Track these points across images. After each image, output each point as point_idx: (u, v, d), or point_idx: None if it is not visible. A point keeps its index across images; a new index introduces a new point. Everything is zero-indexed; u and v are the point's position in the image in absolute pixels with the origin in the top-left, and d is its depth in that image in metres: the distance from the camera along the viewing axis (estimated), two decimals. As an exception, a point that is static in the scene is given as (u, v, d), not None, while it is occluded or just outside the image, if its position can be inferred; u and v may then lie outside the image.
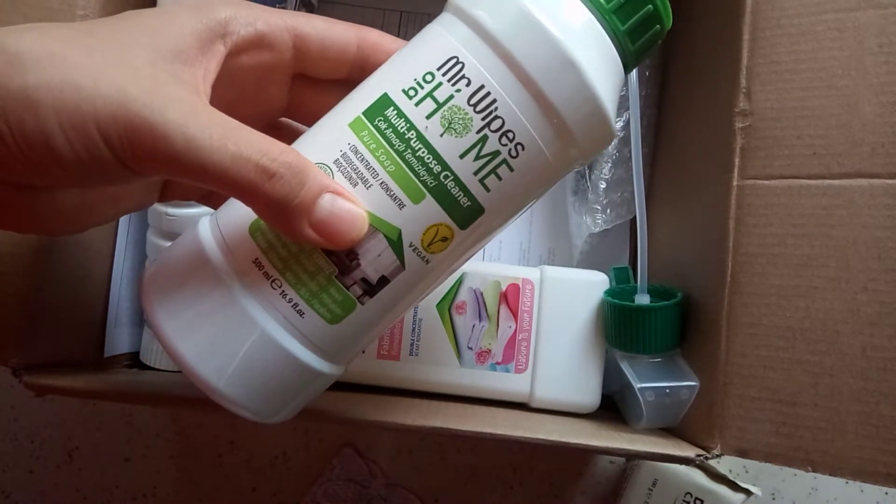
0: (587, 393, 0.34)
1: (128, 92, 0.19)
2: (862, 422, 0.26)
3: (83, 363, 0.34)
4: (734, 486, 0.37)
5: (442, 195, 0.22)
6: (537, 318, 0.34)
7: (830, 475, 0.27)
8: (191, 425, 0.45)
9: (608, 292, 0.34)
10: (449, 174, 0.22)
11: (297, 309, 0.22)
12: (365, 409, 0.29)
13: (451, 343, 0.34)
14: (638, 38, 0.23)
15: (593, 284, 0.35)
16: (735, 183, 0.29)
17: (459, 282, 0.35)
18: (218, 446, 0.45)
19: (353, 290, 0.22)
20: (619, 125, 0.39)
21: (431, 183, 0.22)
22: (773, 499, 0.44)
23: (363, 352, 0.34)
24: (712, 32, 0.34)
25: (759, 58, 0.29)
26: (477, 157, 0.22)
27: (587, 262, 0.40)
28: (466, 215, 0.22)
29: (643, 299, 0.32)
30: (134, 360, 0.39)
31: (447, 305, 0.34)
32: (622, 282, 0.35)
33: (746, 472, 0.44)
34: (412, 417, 0.28)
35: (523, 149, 0.22)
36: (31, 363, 0.29)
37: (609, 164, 0.39)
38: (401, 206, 0.22)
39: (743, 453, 0.28)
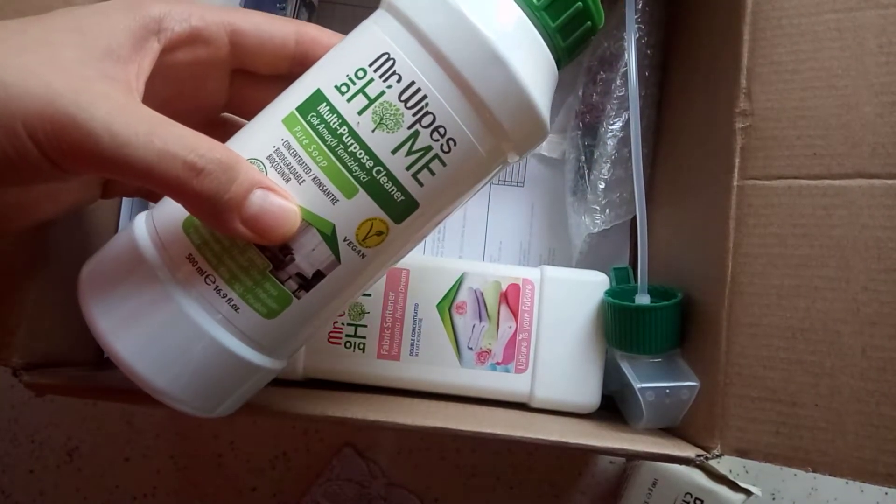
0: (587, 393, 0.34)
1: (55, 89, 0.19)
2: (862, 422, 0.26)
3: (83, 363, 0.33)
4: (734, 487, 0.37)
5: (375, 190, 0.22)
6: (537, 318, 0.34)
7: (830, 475, 0.27)
8: (191, 425, 0.45)
9: (608, 292, 0.34)
10: (381, 169, 0.22)
11: (231, 304, 0.22)
12: (365, 409, 0.29)
13: (451, 343, 0.34)
14: (569, 35, 0.24)
15: (593, 284, 0.35)
16: (735, 183, 0.29)
17: (460, 282, 0.35)
18: (218, 446, 0.45)
19: (289, 285, 0.22)
20: (618, 125, 0.39)
21: (364, 178, 0.22)
22: (773, 499, 0.44)
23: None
24: (712, 32, 0.34)
25: (760, 58, 0.29)
26: (409, 153, 0.22)
27: (587, 263, 0.40)
28: (400, 210, 0.23)
29: (643, 299, 0.32)
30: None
31: (447, 305, 0.34)
32: (622, 282, 0.35)
33: (746, 472, 0.44)
34: (412, 417, 0.28)
35: (455, 144, 0.22)
36: (31, 363, 0.29)
37: (608, 165, 0.39)
38: (334, 200, 0.22)
39: (743, 453, 0.28)
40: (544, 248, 0.43)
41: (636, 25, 0.38)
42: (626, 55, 0.37)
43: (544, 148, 0.42)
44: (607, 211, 0.39)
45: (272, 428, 0.45)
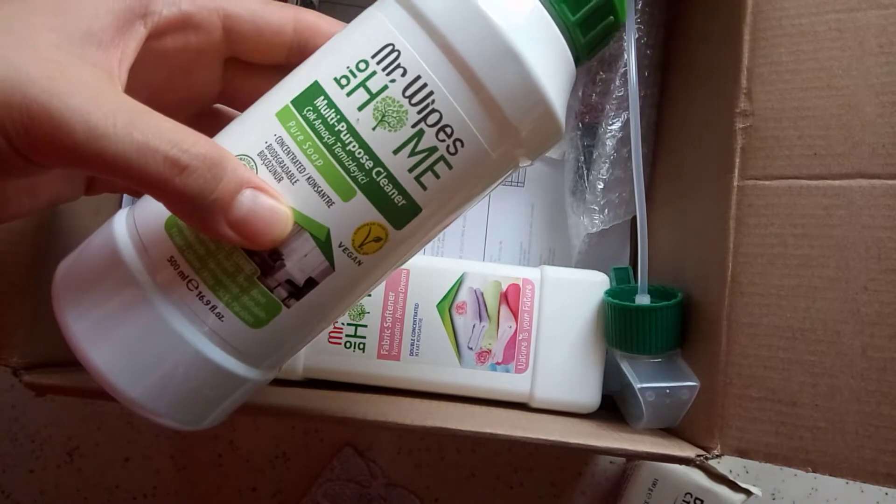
0: (587, 393, 0.34)
1: (27, 75, 0.17)
2: (862, 422, 0.26)
3: (83, 363, 0.33)
4: (734, 487, 0.37)
5: (374, 193, 0.20)
6: (538, 319, 0.34)
7: (830, 475, 0.27)
8: (191, 425, 0.45)
9: (608, 292, 0.34)
10: (382, 170, 0.20)
11: (215, 312, 0.20)
12: (365, 409, 0.29)
13: (451, 343, 0.34)
14: (589, 30, 0.22)
15: (594, 285, 0.35)
16: (735, 183, 0.29)
17: (460, 282, 0.35)
18: (218, 446, 0.45)
19: (278, 293, 0.21)
20: (617, 125, 0.39)
21: (363, 179, 0.20)
22: (774, 499, 0.44)
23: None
24: (713, 33, 0.34)
25: (760, 58, 0.29)
26: (412, 153, 0.20)
27: (586, 263, 0.40)
28: (401, 215, 0.21)
29: (643, 299, 0.32)
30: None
31: (447, 305, 0.34)
32: (622, 282, 0.35)
33: (746, 472, 0.44)
34: (412, 417, 0.28)
35: (462, 145, 0.20)
36: (31, 363, 0.29)
37: (607, 165, 0.39)
38: (329, 203, 0.20)
39: (743, 453, 0.28)
40: (544, 249, 0.43)
41: (636, 25, 0.38)
42: (626, 55, 0.37)
43: (544, 148, 0.42)
44: (606, 211, 0.39)
45: (272, 428, 0.45)
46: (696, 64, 0.36)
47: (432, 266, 0.35)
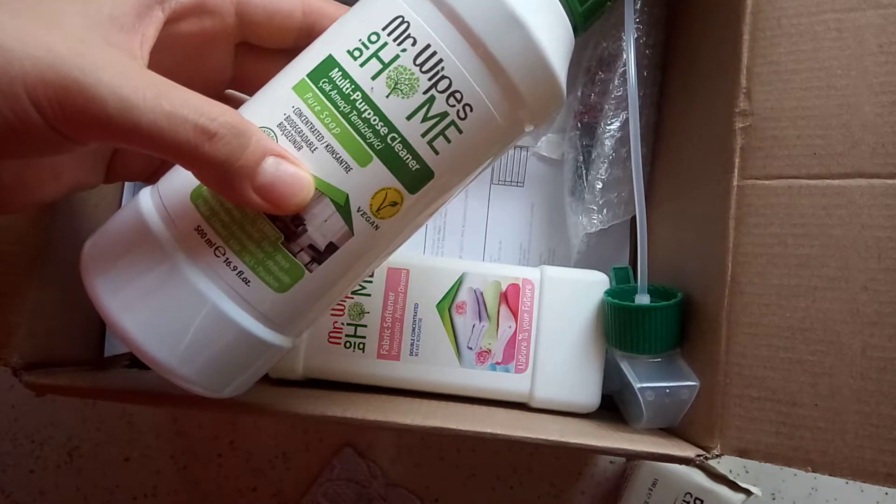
0: (587, 393, 0.34)
1: (58, 53, 0.18)
2: (862, 422, 0.26)
3: (83, 363, 0.34)
4: (734, 487, 0.37)
5: (390, 158, 0.21)
6: (537, 318, 0.34)
7: (830, 475, 0.27)
8: (191, 425, 0.45)
9: (608, 292, 0.34)
10: (396, 136, 0.21)
11: (242, 277, 0.21)
12: (365, 409, 0.29)
13: (451, 343, 0.34)
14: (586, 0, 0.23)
15: (593, 284, 0.35)
16: (735, 183, 0.29)
17: (459, 282, 0.35)
18: (218, 446, 0.45)
19: (301, 257, 0.22)
20: (615, 125, 0.39)
21: (378, 145, 0.21)
22: (774, 499, 0.44)
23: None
24: (712, 32, 0.34)
25: (759, 58, 0.29)
26: (424, 119, 0.21)
27: (585, 262, 0.40)
28: (415, 179, 0.22)
29: (643, 299, 0.32)
30: (134, 360, 0.38)
31: (447, 305, 0.34)
32: (622, 282, 0.35)
33: (746, 472, 0.44)
34: (412, 417, 0.28)
35: (471, 110, 0.22)
36: (31, 363, 0.29)
37: (606, 165, 0.39)
38: (347, 169, 0.21)
39: (743, 453, 0.28)
40: (544, 248, 0.43)
41: (635, 25, 0.38)
42: (625, 55, 0.37)
43: (544, 148, 0.42)
44: (605, 211, 0.39)
45: (272, 428, 0.45)
46: (696, 64, 0.36)
47: (432, 266, 0.35)
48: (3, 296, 0.28)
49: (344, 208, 0.22)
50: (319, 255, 0.22)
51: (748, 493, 0.36)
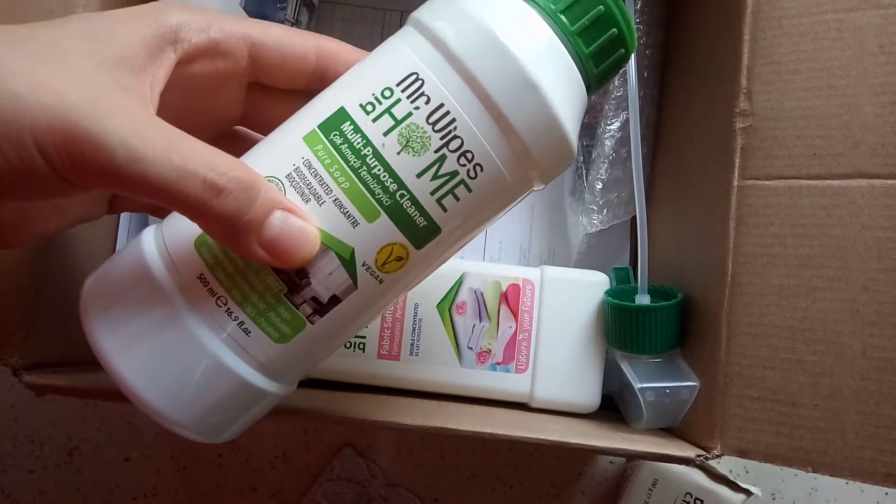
0: (587, 393, 0.34)
1: (67, 101, 0.18)
2: (862, 422, 0.26)
3: (83, 363, 0.33)
4: (734, 487, 0.37)
5: (397, 214, 0.21)
6: (537, 319, 0.34)
7: (830, 475, 0.27)
8: (191, 425, 0.45)
9: (608, 292, 0.34)
10: (405, 193, 0.21)
11: (243, 328, 0.21)
12: (365, 409, 0.29)
13: (451, 343, 0.34)
14: (602, 62, 0.23)
15: (594, 284, 0.35)
16: (735, 183, 0.29)
17: (460, 282, 0.35)
18: (218, 446, 0.45)
19: (303, 310, 0.22)
20: (615, 125, 0.39)
21: (387, 202, 0.21)
22: (774, 499, 0.44)
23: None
24: (712, 33, 0.34)
25: (760, 58, 0.29)
26: (434, 177, 0.21)
27: (585, 263, 0.40)
28: (422, 235, 0.22)
29: (643, 299, 0.32)
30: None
31: (447, 305, 0.34)
32: (622, 282, 0.35)
33: (746, 472, 0.44)
34: (412, 417, 0.28)
35: (482, 170, 0.21)
36: (31, 363, 0.29)
37: (605, 165, 0.39)
38: (354, 224, 0.21)
39: (743, 453, 0.28)
40: (544, 248, 0.43)
41: (635, 25, 0.38)
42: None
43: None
44: (605, 211, 0.39)
45: (272, 428, 0.45)
46: (696, 64, 0.36)
47: (432, 266, 0.35)
48: (3, 296, 0.28)
49: (349, 262, 0.21)
50: (322, 308, 0.22)
51: (748, 493, 0.36)
